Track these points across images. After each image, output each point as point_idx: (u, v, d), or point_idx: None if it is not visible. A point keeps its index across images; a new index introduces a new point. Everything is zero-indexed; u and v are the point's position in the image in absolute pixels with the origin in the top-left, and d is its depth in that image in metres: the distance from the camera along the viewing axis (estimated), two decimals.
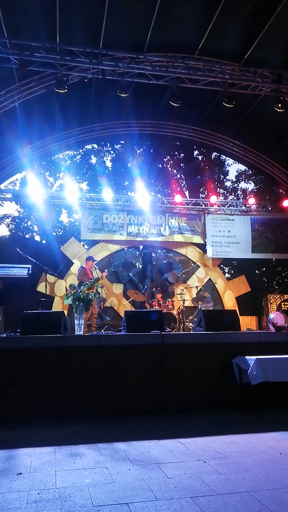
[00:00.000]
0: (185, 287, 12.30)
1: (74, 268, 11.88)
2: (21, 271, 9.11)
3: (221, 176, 21.94)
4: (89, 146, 20.17)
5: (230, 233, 13.36)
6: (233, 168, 52.67)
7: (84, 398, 5.02)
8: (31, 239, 19.51)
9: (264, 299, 13.45)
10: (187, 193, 19.25)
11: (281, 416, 5.01)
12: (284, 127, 11.22)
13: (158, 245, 13.76)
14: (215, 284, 12.95)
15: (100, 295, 9.80)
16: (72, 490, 2.83)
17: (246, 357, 5.09)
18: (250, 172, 20.20)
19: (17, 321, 6.17)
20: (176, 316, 10.62)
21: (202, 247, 13.34)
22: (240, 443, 3.91)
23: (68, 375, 5.06)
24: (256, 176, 20.23)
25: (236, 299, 13.15)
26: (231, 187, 22.04)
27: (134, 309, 11.15)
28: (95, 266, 9.70)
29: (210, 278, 13.14)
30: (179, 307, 10.88)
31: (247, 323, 12.42)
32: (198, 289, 12.77)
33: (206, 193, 19.04)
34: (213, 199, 13.31)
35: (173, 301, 11.57)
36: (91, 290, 5.97)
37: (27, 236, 19.76)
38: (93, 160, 21.19)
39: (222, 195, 20.30)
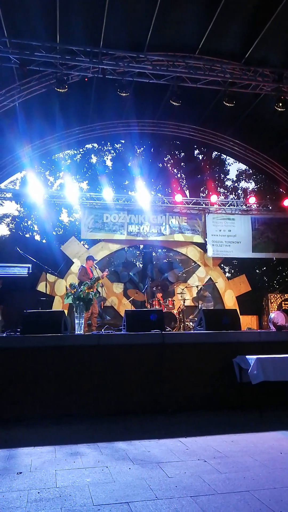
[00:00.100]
0: (186, 287, 12.30)
1: (74, 268, 11.89)
2: (21, 270, 9.11)
3: (222, 176, 21.93)
4: (89, 146, 20.19)
5: (230, 232, 13.36)
6: (234, 167, 52.59)
7: (84, 398, 5.02)
8: (31, 238, 19.51)
9: (264, 299, 13.45)
10: (187, 192, 19.25)
11: (281, 415, 5.00)
12: (285, 126, 11.22)
13: (159, 245, 13.76)
14: (216, 284, 12.95)
15: (101, 295, 9.80)
16: (73, 489, 2.83)
17: (247, 356, 5.09)
18: (251, 171, 20.19)
19: (17, 321, 6.19)
20: (177, 316, 10.62)
21: (203, 246, 13.34)
22: (241, 442, 3.91)
23: (68, 374, 5.05)
24: (256, 175, 20.22)
25: (237, 299, 13.15)
26: (232, 186, 22.04)
27: (135, 309, 11.15)
28: (95, 265, 9.71)
29: (210, 277, 13.15)
30: (179, 307, 10.88)
31: (248, 322, 12.43)
32: (199, 288, 12.77)
33: (206, 193, 19.05)
34: (214, 198, 13.32)
35: (174, 300, 11.57)
36: (91, 290, 5.98)
37: (27, 235, 19.76)
38: (94, 159, 21.20)
39: (222, 195, 20.29)
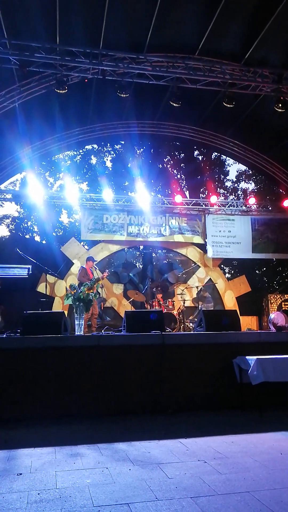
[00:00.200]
0: (186, 287, 12.29)
1: (74, 269, 11.89)
2: (21, 271, 9.11)
3: (222, 176, 21.95)
4: (89, 147, 20.19)
5: (230, 233, 13.36)
6: (234, 168, 52.75)
7: (84, 398, 5.02)
8: (31, 239, 19.51)
9: (264, 299, 13.46)
10: (187, 193, 19.25)
11: (281, 415, 5.00)
12: (285, 127, 11.23)
13: (159, 245, 13.74)
14: (216, 284, 12.94)
15: (100, 296, 9.79)
16: (73, 490, 2.82)
17: (247, 357, 5.08)
18: (251, 172, 20.20)
19: (17, 321, 6.18)
20: (177, 316, 10.61)
21: (203, 247, 13.34)
22: (241, 443, 3.91)
23: (68, 375, 5.05)
24: (256, 176, 20.23)
25: (237, 299, 13.15)
26: (232, 187, 22.05)
27: (135, 309, 11.15)
28: (95, 266, 9.70)
29: (210, 278, 13.14)
30: (179, 307, 10.88)
31: (248, 323, 12.43)
32: (199, 289, 12.77)
33: (206, 193, 19.04)
34: (214, 199, 13.32)
35: (174, 301, 11.56)
36: (91, 291, 5.98)
37: (27, 236, 19.76)
38: (93, 160, 21.22)
39: (222, 195, 20.30)
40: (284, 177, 13.36)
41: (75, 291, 5.83)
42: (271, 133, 11.95)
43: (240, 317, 7.83)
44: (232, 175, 48.33)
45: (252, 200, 13.81)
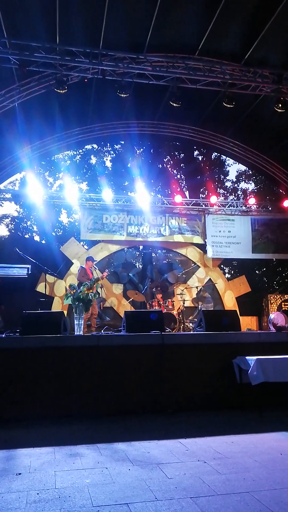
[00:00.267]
0: (185, 287, 12.29)
1: (74, 268, 11.88)
2: (20, 271, 9.09)
3: (221, 176, 21.95)
4: (89, 146, 20.19)
5: (230, 233, 13.36)
6: (233, 168, 52.75)
7: (84, 398, 5.02)
8: (30, 239, 19.50)
9: (264, 299, 13.45)
10: (187, 193, 19.26)
11: (281, 416, 5.00)
12: (284, 127, 11.23)
13: (158, 245, 13.74)
14: (215, 284, 12.94)
15: (100, 296, 9.79)
16: (72, 490, 2.82)
17: (247, 357, 5.08)
18: (250, 172, 20.20)
19: (16, 321, 6.16)
20: (176, 317, 10.61)
21: (202, 247, 13.33)
22: (240, 443, 3.90)
23: (68, 375, 5.05)
24: (256, 176, 20.23)
25: (237, 299, 13.14)
26: (231, 187, 22.06)
27: (134, 309, 11.14)
28: (95, 266, 9.70)
29: (210, 278, 13.14)
30: (179, 307, 10.87)
31: (248, 323, 12.42)
32: (198, 289, 12.77)
33: (206, 193, 19.04)
34: (213, 199, 13.32)
35: (173, 301, 11.56)
36: (91, 291, 5.96)
37: (27, 236, 19.76)
38: (93, 160, 21.21)
39: (222, 195, 20.31)
40: (284, 177, 13.35)
41: (74, 291, 5.82)
42: (271, 133, 11.95)
43: (240, 317, 7.82)
44: (232, 175, 48.35)
45: (252, 200, 13.82)
